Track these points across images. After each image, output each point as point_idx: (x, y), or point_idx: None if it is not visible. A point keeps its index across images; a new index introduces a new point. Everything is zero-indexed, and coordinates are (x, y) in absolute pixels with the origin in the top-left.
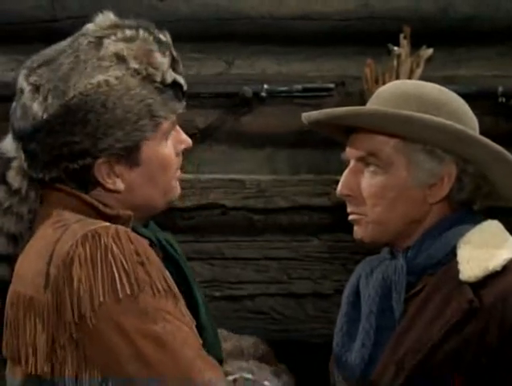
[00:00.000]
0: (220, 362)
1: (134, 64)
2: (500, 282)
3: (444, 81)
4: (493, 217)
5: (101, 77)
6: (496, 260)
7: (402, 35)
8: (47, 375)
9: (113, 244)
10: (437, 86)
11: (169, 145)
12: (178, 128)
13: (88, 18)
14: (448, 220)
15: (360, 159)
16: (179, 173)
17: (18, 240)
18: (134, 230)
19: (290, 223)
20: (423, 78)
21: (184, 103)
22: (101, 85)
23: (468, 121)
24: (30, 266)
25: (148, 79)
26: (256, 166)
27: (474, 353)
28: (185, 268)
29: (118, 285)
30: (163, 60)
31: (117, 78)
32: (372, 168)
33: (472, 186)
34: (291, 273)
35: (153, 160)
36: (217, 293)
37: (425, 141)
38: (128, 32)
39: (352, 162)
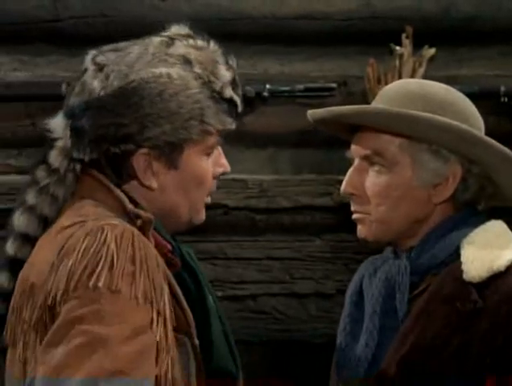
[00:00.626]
0: (232, 375)
1: (197, 69)
2: (504, 283)
3: (447, 81)
4: (496, 217)
5: (164, 69)
6: (500, 261)
7: (404, 35)
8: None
9: (113, 242)
10: (444, 86)
11: (209, 163)
12: (221, 151)
13: (90, 19)
14: (452, 220)
15: (365, 158)
16: (208, 199)
17: (48, 224)
18: (159, 233)
19: (292, 223)
20: (425, 78)
21: (235, 123)
22: (163, 76)
23: (475, 122)
24: (42, 256)
25: (208, 86)
26: (258, 166)
27: (478, 353)
28: (202, 279)
29: (95, 276)
30: (225, 73)
31: (179, 74)
32: (376, 167)
33: (477, 186)
34: (293, 273)
35: (191, 169)
36: (220, 293)
37: (430, 140)
38: (199, 42)
39: (356, 161)
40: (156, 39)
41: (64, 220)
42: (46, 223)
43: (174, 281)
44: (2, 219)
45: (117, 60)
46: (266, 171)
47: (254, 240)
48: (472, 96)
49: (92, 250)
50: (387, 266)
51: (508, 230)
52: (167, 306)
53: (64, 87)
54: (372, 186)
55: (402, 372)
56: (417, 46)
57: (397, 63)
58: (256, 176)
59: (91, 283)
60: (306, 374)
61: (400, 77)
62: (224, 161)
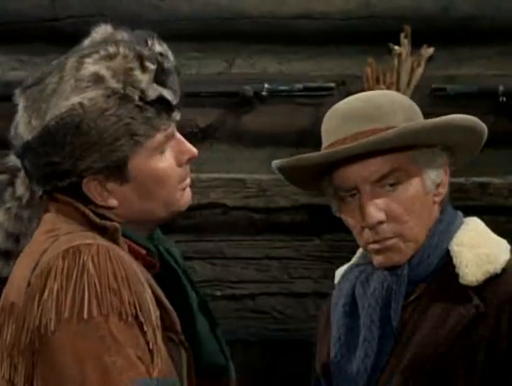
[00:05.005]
0: (223, 368)
1: (112, 84)
2: (502, 284)
3: (445, 80)
4: (480, 216)
5: (75, 99)
6: (496, 263)
7: (402, 34)
8: (9, 382)
9: (91, 264)
10: (390, 92)
11: (166, 157)
12: (180, 138)
13: (89, 18)
14: (443, 224)
15: (377, 181)
16: (187, 182)
17: (19, 239)
18: (131, 239)
19: (291, 223)
20: (424, 77)
21: (176, 115)
22: (76, 108)
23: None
24: (19, 272)
25: (126, 98)
26: (257, 166)
27: (484, 357)
28: (183, 278)
29: (86, 306)
30: (142, 78)
31: (91, 100)
32: (391, 186)
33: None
34: (291, 273)
35: (145, 175)
36: (218, 293)
37: (432, 143)
38: (110, 49)
39: (367, 188)
40: (69, 62)
41: (39, 235)
42: (15, 237)
43: (155, 283)
44: None
45: (36, 97)
46: (264, 171)
47: (253, 240)
48: (470, 95)
49: (74, 276)
50: (382, 275)
51: (485, 226)
52: (153, 315)
53: None
54: (397, 205)
55: (407, 381)
56: (416, 45)
57: (395, 62)
58: (255, 175)
59: (85, 316)
60: (304, 373)
61: (399, 76)
62: (186, 147)
